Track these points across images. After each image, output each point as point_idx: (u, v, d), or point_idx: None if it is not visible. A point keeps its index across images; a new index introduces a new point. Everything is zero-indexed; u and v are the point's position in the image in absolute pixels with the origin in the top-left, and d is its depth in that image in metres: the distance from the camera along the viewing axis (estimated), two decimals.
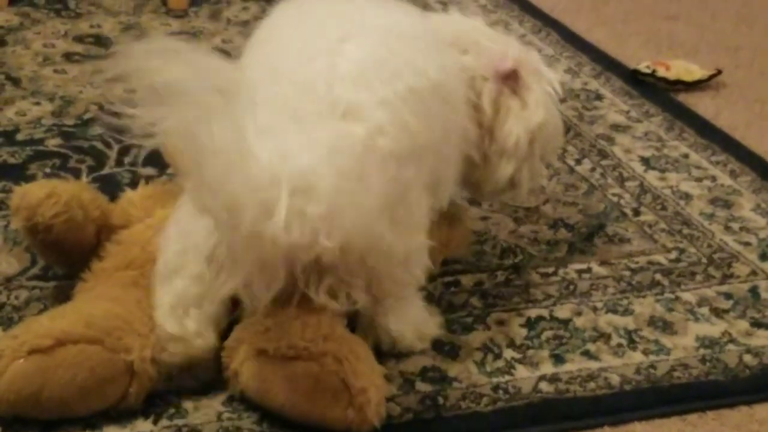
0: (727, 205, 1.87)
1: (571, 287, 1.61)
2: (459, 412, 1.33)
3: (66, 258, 1.45)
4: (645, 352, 1.47)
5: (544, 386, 1.39)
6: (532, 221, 1.77)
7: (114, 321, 1.28)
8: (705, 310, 1.57)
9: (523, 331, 1.50)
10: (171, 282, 1.31)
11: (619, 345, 1.48)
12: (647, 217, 1.82)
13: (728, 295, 1.61)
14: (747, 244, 1.76)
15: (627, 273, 1.65)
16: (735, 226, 1.81)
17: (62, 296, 1.44)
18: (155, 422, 1.28)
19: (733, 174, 1.97)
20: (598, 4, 2.76)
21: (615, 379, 1.41)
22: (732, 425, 1.35)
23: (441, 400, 1.35)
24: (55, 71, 2.24)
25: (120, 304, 1.33)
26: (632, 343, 1.49)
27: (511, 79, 1.49)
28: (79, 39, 2.42)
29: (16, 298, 1.48)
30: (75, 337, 1.24)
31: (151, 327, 1.31)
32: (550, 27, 2.62)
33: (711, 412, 1.37)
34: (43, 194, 1.38)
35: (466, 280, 1.60)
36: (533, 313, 1.54)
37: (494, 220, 1.77)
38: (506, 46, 1.52)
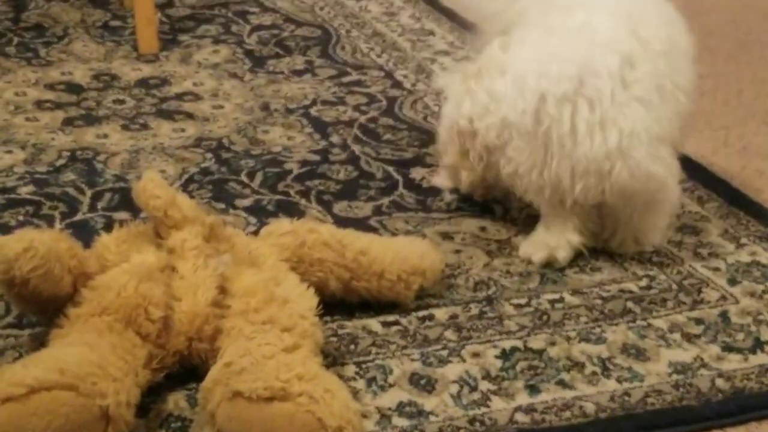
0: (696, 231, 1.89)
1: (545, 317, 1.62)
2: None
3: (42, 307, 1.45)
4: (619, 380, 1.48)
5: (520, 417, 1.40)
6: (504, 254, 1.79)
7: (88, 367, 1.28)
8: (677, 335, 1.59)
9: (498, 363, 1.51)
10: None
11: (594, 373, 1.50)
12: None
13: (699, 321, 1.63)
14: (716, 269, 1.78)
15: (599, 302, 1.67)
16: (704, 252, 1.83)
17: (37, 343, 1.45)
18: None
19: (700, 200, 1.99)
20: None
21: (590, 408, 1.42)
22: None
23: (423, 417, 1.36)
24: (27, 119, 2.25)
25: (94, 349, 1.33)
26: (606, 371, 1.50)
27: None
28: (51, 86, 2.43)
29: None
30: (49, 384, 1.24)
31: (126, 372, 1.32)
32: None
33: None
34: (21, 248, 1.38)
35: (440, 314, 1.62)
36: (507, 344, 1.55)
37: (467, 253, 1.79)
38: None
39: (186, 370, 1.44)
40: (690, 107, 1.72)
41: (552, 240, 1.76)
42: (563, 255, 1.76)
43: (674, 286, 1.72)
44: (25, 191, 1.93)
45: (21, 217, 1.83)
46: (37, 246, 1.39)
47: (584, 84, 1.62)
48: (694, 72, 1.73)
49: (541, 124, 1.64)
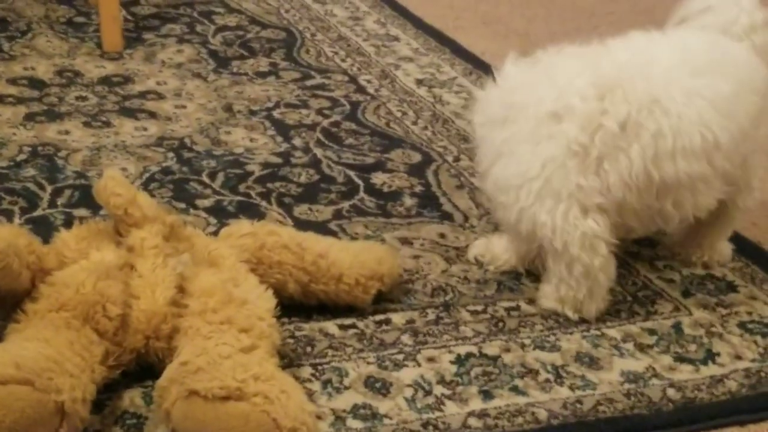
0: (652, 243, 1.92)
1: (500, 324, 1.64)
2: None
3: None
4: (572, 387, 1.50)
5: (473, 422, 1.42)
6: (462, 261, 1.81)
7: (45, 362, 1.28)
8: (630, 345, 1.61)
9: (453, 368, 1.53)
10: None
11: (547, 380, 1.51)
12: None
13: (652, 331, 1.65)
14: (671, 281, 1.80)
15: None
16: (660, 264, 1.86)
17: None
18: None
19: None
20: (527, 50, 2.84)
21: (542, 414, 1.44)
22: None
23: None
24: None
25: (51, 345, 1.33)
26: (559, 379, 1.52)
27: None
28: (13, 81, 2.42)
29: None
30: (5, 378, 1.24)
31: (83, 368, 1.32)
32: (480, 70, 2.67)
33: None
34: None
35: (397, 318, 1.63)
36: (463, 350, 1.57)
37: (426, 259, 1.80)
38: None
39: (143, 368, 1.44)
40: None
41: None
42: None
43: (629, 297, 1.75)
44: None
45: None
46: None
47: None
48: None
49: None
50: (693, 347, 1.62)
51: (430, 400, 1.45)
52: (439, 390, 1.47)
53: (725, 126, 1.61)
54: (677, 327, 1.67)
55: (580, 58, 1.64)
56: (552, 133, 1.57)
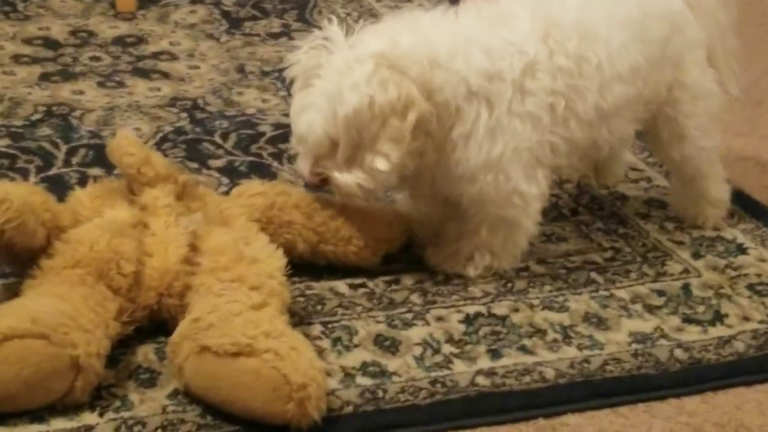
0: (663, 205, 1.92)
1: (509, 285, 1.65)
2: (398, 405, 1.37)
3: (15, 258, 1.47)
4: (579, 347, 1.52)
5: (480, 380, 1.43)
6: None
7: (60, 317, 1.31)
8: (638, 306, 1.62)
9: (462, 327, 1.54)
10: None
11: (555, 340, 1.53)
12: (584, 216, 1.87)
13: (661, 292, 1.67)
14: (680, 243, 1.81)
15: (563, 271, 1.70)
16: (669, 225, 1.86)
17: (10, 293, 1.46)
18: (101, 415, 1.31)
19: (668, 175, 2.02)
20: None
21: (550, 373, 1.46)
22: (662, 417, 1.40)
23: (380, 394, 1.39)
24: (4, 73, 2.25)
25: (66, 301, 1.35)
26: (567, 339, 1.54)
27: None
28: (28, 41, 2.43)
29: None
30: (21, 332, 1.26)
31: (97, 323, 1.34)
32: None
33: (642, 404, 1.42)
34: None
35: (407, 279, 1.64)
36: (471, 309, 1.58)
37: None
38: None
39: (155, 324, 1.46)
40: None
41: None
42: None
43: (638, 258, 1.75)
44: (1, 144, 1.94)
45: None
46: (11, 198, 1.40)
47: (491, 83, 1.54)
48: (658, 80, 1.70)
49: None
50: (701, 308, 1.63)
51: (439, 358, 1.47)
52: (447, 349, 1.49)
53: (641, 49, 1.64)
54: (686, 288, 1.68)
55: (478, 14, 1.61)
56: (530, 90, 1.55)
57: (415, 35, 1.53)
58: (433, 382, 1.42)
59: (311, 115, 1.52)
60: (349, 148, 1.50)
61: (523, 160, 1.55)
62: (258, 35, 2.58)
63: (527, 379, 1.44)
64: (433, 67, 1.50)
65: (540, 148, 1.57)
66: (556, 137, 1.58)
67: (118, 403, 1.33)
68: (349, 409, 1.36)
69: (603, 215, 1.88)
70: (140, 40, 2.48)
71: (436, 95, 1.50)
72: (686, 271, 1.73)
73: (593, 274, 1.70)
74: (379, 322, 1.54)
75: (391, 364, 1.45)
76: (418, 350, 1.48)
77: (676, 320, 1.60)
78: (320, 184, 1.58)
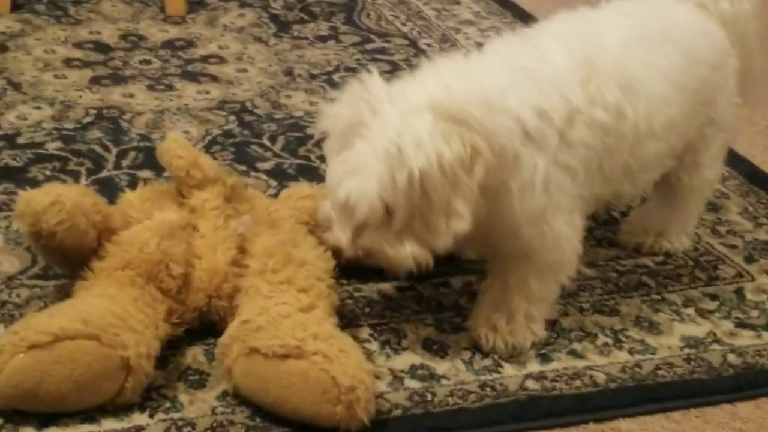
0: (715, 208, 1.90)
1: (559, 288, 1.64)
2: (447, 409, 1.37)
3: (67, 260, 1.48)
4: (631, 352, 1.50)
5: (530, 384, 1.42)
6: None
7: (111, 318, 1.31)
8: (690, 310, 1.61)
9: None
10: None
11: (605, 344, 1.51)
12: None
13: (714, 297, 1.65)
14: (733, 246, 1.79)
15: (614, 275, 1.68)
16: (722, 229, 1.84)
17: (62, 294, 1.48)
18: (151, 416, 1.32)
19: (721, 178, 2.00)
20: None
21: (601, 378, 1.44)
22: (715, 423, 1.39)
23: (429, 397, 1.38)
24: (56, 76, 2.27)
25: (117, 302, 1.36)
26: (618, 343, 1.52)
27: None
28: (79, 45, 2.45)
29: (17, 296, 1.52)
30: (73, 333, 1.27)
31: (147, 325, 1.35)
32: None
33: (695, 410, 1.41)
34: (48, 202, 1.41)
35: (455, 281, 1.64)
36: None
37: None
38: None
39: (205, 326, 1.47)
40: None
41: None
42: None
43: (690, 262, 1.73)
44: (53, 147, 1.96)
45: (48, 172, 1.86)
46: (63, 200, 1.42)
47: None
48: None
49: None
50: (755, 313, 1.61)
51: (488, 362, 1.46)
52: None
53: (680, 102, 1.51)
54: (739, 292, 1.66)
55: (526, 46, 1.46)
56: (572, 141, 1.39)
57: (462, 77, 1.36)
58: (483, 386, 1.41)
59: (361, 181, 1.29)
60: (407, 216, 1.30)
61: (564, 210, 1.42)
62: (306, 38, 2.58)
63: (578, 383, 1.43)
64: (488, 110, 1.32)
65: (573, 201, 1.43)
66: (586, 192, 1.45)
67: (167, 404, 1.34)
68: (398, 412, 1.35)
69: None
70: (189, 44, 2.50)
71: (493, 142, 1.31)
72: (739, 275, 1.71)
73: (644, 278, 1.68)
74: (427, 325, 1.53)
75: (440, 367, 1.44)
76: (467, 354, 1.47)
77: (729, 325, 1.58)
78: (363, 258, 1.39)
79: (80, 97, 2.18)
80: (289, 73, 2.38)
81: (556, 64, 1.41)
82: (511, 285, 1.46)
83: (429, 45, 2.57)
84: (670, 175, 1.66)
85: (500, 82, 1.36)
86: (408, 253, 1.33)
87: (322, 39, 2.59)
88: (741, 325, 1.58)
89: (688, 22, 1.58)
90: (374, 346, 1.48)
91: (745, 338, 1.55)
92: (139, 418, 1.31)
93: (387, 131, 1.28)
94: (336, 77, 2.36)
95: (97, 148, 1.96)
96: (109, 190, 1.75)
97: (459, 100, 1.30)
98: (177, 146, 1.58)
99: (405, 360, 1.45)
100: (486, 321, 1.47)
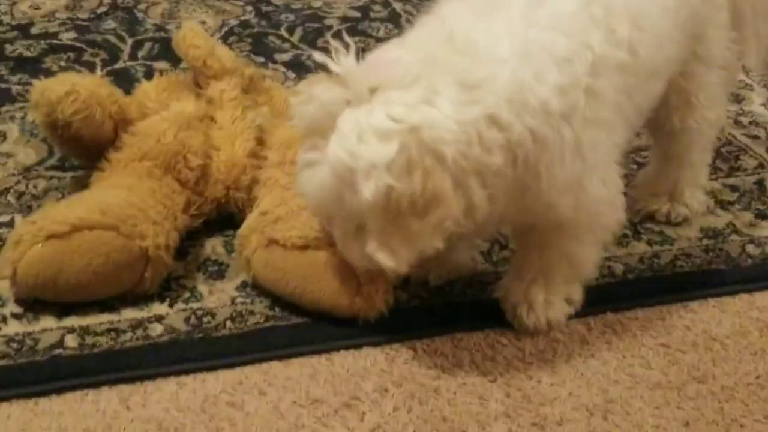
0: (738, 99, 1.88)
1: None
2: (465, 299, 1.37)
3: (83, 151, 1.48)
4: (649, 243, 1.50)
5: None
6: None
7: (129, 209, 1.32)
8: (710, 202, 1.59)
9: None
10: None
11: (624, 236, 1.51)
12: None
13: (734, 188, 1.63)
14: (756, 137, 1.77)
15: (633, 167, 1.67)
16: (744, 120, 1.82)
17: (79, 185, 1.48)
18: (171, 305, 1.33)
19: (744, 68, 1.97)
20: None
21: (618, 269, 1.44)
22: (732, 312, 1.39)
23: (448, 288, 1.39)
24: None
25: (135, 193, 1.36)
26: (637, 234, 1.52)
27: None
28: None
29: (35, 187, 1.52)
30: (91, 223, 1.27)
31: (165, 215, 1.35)
32: None
33: (712, 299, 1.41)
34: (63, 91, 1.41)
35: None
36: None
37: None
38: None
39: (223, 217, 1.47)
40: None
41: None
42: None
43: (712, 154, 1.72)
44: (67, 37, 1.94)
45: (63, 63, 1.85)
46: (79, 90, 1.41)
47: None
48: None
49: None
50: None
51: (507, 253, 1.46)
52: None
53: (677, 38, 1.37)
54: (760, 184, 1.65)
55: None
56: (599, 91, 1.24)
57: (461, 78, 1.14)
58: (501, 277, 1.40)
59: (315, 180, 1.16)
60: (350, 226, 1.18)
61: (601, 169, 1.27)
62: None
63: (596, 274, 1.43)
64: (500, 105, 1.14)
65: (609, 154, 1.29)
66: (621, 139, 1.31)
67: (187, 294, 1.34)
68: (417, 302, 1.36)
69: None
70: None
71: (512, 131, 1.14)
72: (761, 166, 1.69)
73: None
74: None
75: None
76: (485, 246, 1.47)
77: (748, 216, 1.57)
78: None
79: None
80: None
81: (563, 8, 1.24)
82: (547, 256, 1.33)
83: None
84: (664, 124, 1.51)
85: (513, 67, 1.16)
86: (356, 254, 1.20)
87: None
88: (761, 216, 1.57)
89: None
90: None
91: (765, 229, 1.54)
92: (159, 308, 1.32)
93: (345, 144, 1.11)
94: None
95: (112, 39, 1.95)
96: (125, 81, 1.74)
97: (442, 124, 1.11)
98: (193, 36, 1.56)
99: None
100: (523, 296, 1.34)
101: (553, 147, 1.18)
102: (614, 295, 1.40)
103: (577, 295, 1.35)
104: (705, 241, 1.51)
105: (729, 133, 1.77)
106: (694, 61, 1.45)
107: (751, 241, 1.51)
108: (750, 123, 1.81)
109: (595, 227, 1.32)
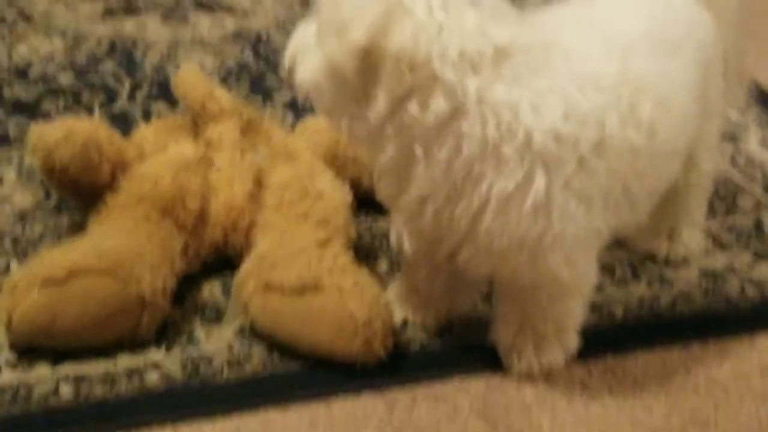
0: (734, 138, 1.88)
1: None
2: (464, 343, 1.36)
3: (81, 194, 1.48)
4: (648, 284, 1.49)
5: None
6: None
7: (126, 253, 1.31)
8: (708, 242, 1.59)
9: None
10: None
11: (623, 277, 1.50)
12: None
13: (732, 228, 1.63)
14: (752, 177, 1.77)
15: None
16: (741, 159, 1.82)
17: (76, 229, 1.48)
18: (168, 350, 1.32)
19: (740, 108, 1.97)
20: None
21: (618, 311, 1.43)
22: (733, 354, 1.38)
23: (447, 331, 1.38)
24: (68, 8, 2.25)
25: (132, 237, 1.36)
26: (636, 276, 1.51)
27: None
28: None
29: (31, 231, 1.51)
30: (87, 268, 1.27)
31: (162, 260, 1.34)
32: None
33: (713, 342, 1.40)
34: (60, 135, 1.41)
35: None
36: None
37: None
38: None
39: (221, 260, 1.46)
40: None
41: None
42: None
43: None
44: (65, 80, 1.94)
45: (61, 105, 1.85)
46: (76, 134, 1.41)
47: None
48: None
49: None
50: None
51: None
52: None
53: (696, 112, 1.35)
54: (758, 224, 1.64)
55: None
56: (593, 168, 1.19)
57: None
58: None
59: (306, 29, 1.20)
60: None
61: (566, 247, 1.21)
62: None
63: (595, 316, 1.42)
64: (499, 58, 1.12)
65: (585, 234, 1.22)
66: (602, 224, 1.24)
67: (184, 340, 1.34)
68: (416, 346, 1.35)
69: None
70: None
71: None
72: (758, 205, 1.69)
73: None
74: None
75: None
76: (483, 288, 1.46)
77: (747, 256, 1.56)
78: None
79: (93, 28, 2.16)
80: (304, 3, 2.34)
81: (602, 79, 1.20)
82: (527, 310, 1.30)
83: None
84: None
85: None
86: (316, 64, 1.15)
87: None
88: (759, 256, 1.56)
89: (687, 12, 1.38)
90: (393, 279, 1.47)
91: (764, 270, 1.53)
92: (156, 354, 1.31)
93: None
94: None
95: (111, 81, 1.95)
96: (124, 123, 1.74)
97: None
98: (192, 78, 1.57)
99: None
100: (511, 345, 1.32)
101: (511, 179, 1.14)
102: (615, 339, 1.39)
103: (571, 341, 1.33)
104: (704, 283, 1.50)
105: (726, 172, 1.77)
106: (700, 117, 1.40)
107: (751, 282, 1.50)
108: (746, 163, 1.81)
109: (562, 291, 1.27)
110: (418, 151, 1.14)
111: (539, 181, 1.15)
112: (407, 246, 1.26)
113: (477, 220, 1.16)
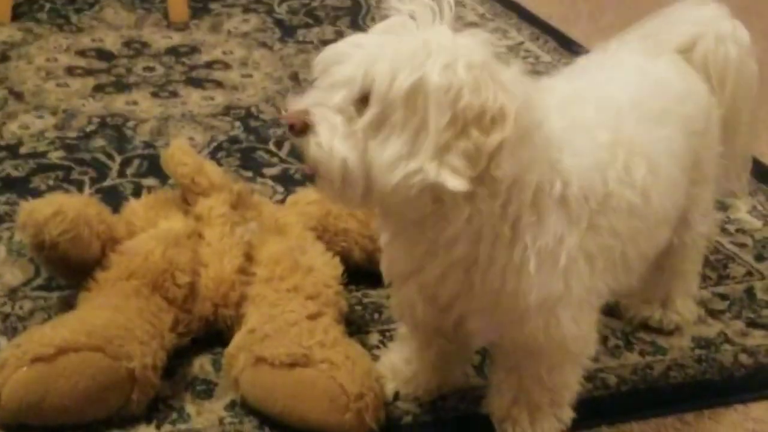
0: (724, 207, 1.88)
1: None
2: (457, 414, 1.35)
3: (70, 271, 1.47)
4: (641, 353, 1.49)
5: None
6: None
7: (115, 329, 1.30)
8: (701, 311, 1.59)
9: None
10: None
11: (616, 346, 1.50)
12: None
13: (724, 296, 1.63)
14: (743, 245, 1.77)
15: None
16: (731, 228, 1.83)
17: (65, 306, 1.47)
18: (158, 427, 1.30)
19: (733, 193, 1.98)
20: (594, 13, 2.76)
21: (612, 380, 1.43)
22: (728, 424, 1.37)
23: (440, 403, 1.37)
24: (58, 85, 2.26)
25: (122, 313, 1.35)
26: (629, 345, 1.51)
27: None
28: (82, 53, 2.44)
29: (21, 308, 1.51)
30: (77, 345, 1.26)
31: (152, 335, 1.34)
32: (547, 35, 2.64)
33: (707, 411, 1.39)
34: (50, 212, 1.41)
35: None
36: None
37: None
38: None
39: (212, 334, 1.45)
40: None
41: None
42: None
43: None
44: (56, 156, 1.95)
45: (51, 182, 1.85)
46: (66, 210, 1.41)
47: None
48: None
49: None
50: (766, 312, 1.59)
51: None
52: None
53: (684, 181, 1.36)
54: (749, 292, 1.64)
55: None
56: (598, 226, 1.21)
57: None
58: None
59: (373, 51, 1.14)
60: (381, 116, 1.09)
61: (573, 304, 1.21)
62: (311, 42, 2.57)
63: (589, 386, 1.41)
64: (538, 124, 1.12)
65: (587, 294, 1.23)
66: (602, 285, 1.24)
67: (174, 415, 1.32)
68: (408, 418, 1.34)
69: None
70: (193, 50, 2.49)
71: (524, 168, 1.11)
72: (749, 274, 1.69)
73: None
74: None
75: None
76: (476, 359, 1.46)
77: (739, 324, 1.56)
78: (293, 131, 1.19)
79: (83, 105, 2.17)
80: (294, 77, 2.37)
81: (596, 138, 1.23)
82: (525, 379, 1.29)
83: None
84: None
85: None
86: (341, 152, 1.10)
87: (328, 43, 2.56)
88: (752, 324, 1.56)
89: (677, 84, 1.40)
90: (384, 352, 1.46)
91: (756, 338, 1.53)
92: (146, 430, 1.30)
93: (424, 35, 1.11)
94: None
95: (101, 157, 1.96)
96: (114, 199, 1.74)
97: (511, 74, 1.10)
98: (181, 153, 1.57)
99: None
100: (506, 415, 1.31)
101: (548, 234, 1.14)
102: (608, 409, 1.38)
103: (566, 414, 1.32)
104: (697, 351, 1.50)
105: (716, 241, 1.77)
106: (693, 185, 1.42)
107: (744, 350, 1.50)
108: (737, 231, 1.82)
109: (565, 356, 1.27)
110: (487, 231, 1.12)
111: (569, 240, 1.16)
112: (420, 313, 1.24)
113: (507, 279, 1.15)
